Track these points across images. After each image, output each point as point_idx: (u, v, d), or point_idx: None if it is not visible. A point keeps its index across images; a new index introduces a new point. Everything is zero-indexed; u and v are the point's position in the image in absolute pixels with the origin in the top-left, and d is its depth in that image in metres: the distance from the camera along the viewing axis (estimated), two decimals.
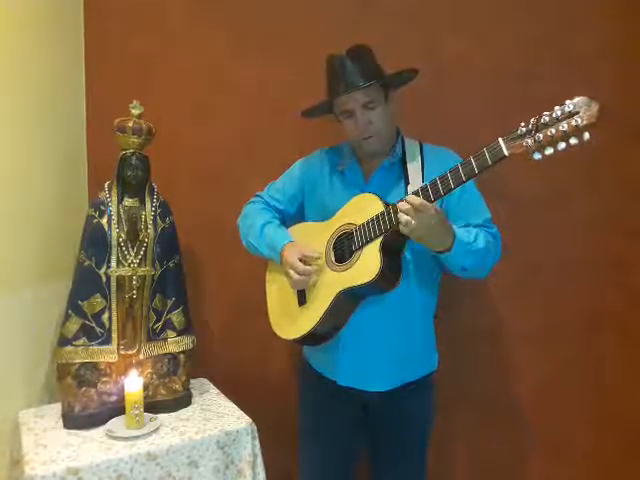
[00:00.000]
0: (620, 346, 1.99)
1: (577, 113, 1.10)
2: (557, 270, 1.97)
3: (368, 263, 1.39)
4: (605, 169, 1.92)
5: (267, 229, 1.61)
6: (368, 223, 1.41)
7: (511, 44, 1.92)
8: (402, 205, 1.29)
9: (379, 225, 1.38)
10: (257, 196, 1.72)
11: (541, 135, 1.14)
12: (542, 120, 1.14)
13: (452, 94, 1.94)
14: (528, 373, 2.02)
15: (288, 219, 1.69)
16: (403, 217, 1.28)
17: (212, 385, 1.80)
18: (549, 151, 1.14)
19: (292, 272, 1.49)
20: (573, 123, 1.10)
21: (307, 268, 1.47)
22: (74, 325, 1.56)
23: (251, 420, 1.55)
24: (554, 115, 1.13)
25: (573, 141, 1.11)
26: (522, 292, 1.98)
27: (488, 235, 1.44)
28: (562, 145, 1.12)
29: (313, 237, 1.55)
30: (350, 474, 1.68)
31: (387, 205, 1.39)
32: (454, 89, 1.94)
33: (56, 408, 1.58)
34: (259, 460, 1.53)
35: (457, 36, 1.92)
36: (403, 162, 1.53)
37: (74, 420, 1.49)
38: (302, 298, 1.54)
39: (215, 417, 1.56)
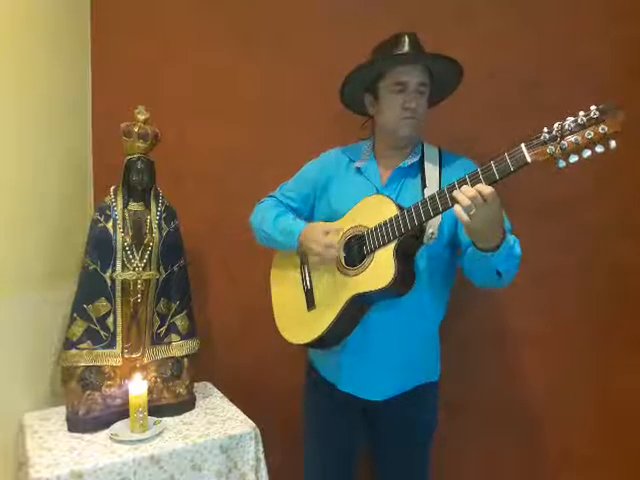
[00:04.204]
0: (627, 352, 1.99)
1: (603, 120, 1.06)
2: (564, 275, 1.97)
3: (382, 268, 1.35)
4: (613, 174, 1.92)
5: (281, 218, 1.59)
6: (381, 226, 1.36)
7: (516, 50, 1.92)
8: (467, 191, 1.16)
9: (393, 229, 1.34)
10: (269, 196, 1.70)
11: (566, 143, 1.08)
12: (566, 126, 1.09)
13: (456, 99, 1.94)
14: (535, 378, 2.01)
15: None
16: (465, 201, 1.16)
17: (216, 389, 1.80)
18: (574, 159, 1.09)
19: (315, 246, 1.43)
20: (600, 130, 1.05)
21: (332, 240, 1.40)
22: (79, 328, 1.56)
23: (254, 424, 1.55)
24: (579, 121, 1.08)
25: (599, 149, 1.06)
26: (529, 297, 1.97)
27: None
28: (587, 152, 1.07)
29: None
30: (352, 475, 1.67)
31: (401, 208, 1.35)
32: (458, 94, 1.94)
33: (61, 411, 1.58)
34: (262, 464, 1.53)
35: (461, 41, 1.92)
36: (421, 165, 1.50)
37: (78, 423, 1.49)
38: (310, 301, 1.51)
39: (219, 421, 1.56)
